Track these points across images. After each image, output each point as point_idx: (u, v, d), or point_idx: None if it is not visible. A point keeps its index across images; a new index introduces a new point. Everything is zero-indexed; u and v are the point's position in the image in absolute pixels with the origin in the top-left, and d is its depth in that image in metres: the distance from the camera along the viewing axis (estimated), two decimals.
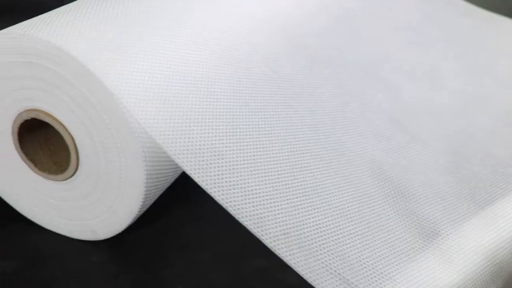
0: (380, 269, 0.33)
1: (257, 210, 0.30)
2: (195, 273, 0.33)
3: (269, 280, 0.33)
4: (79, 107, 0.30)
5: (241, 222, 0.29)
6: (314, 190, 0.34)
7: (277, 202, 0.31)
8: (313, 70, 0.44)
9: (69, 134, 0.31)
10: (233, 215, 0.29)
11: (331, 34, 0.50)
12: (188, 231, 0.35)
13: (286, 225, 0.31)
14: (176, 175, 0.35)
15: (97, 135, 0.30)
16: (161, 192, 0.34)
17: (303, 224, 0.32)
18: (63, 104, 0.30)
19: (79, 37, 0.29)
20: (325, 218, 0.33)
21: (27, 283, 0.31)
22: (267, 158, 0.33)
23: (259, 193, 0.31)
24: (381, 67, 0.51)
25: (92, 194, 0.33)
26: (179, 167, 0.34)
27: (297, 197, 0.33)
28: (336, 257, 0.32)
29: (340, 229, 0.33)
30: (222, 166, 0.30)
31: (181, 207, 0.37)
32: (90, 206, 0.33)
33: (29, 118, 0.32)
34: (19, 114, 0.32)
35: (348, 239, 0.33)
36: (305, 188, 0.34)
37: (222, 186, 0.29)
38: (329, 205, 0.34)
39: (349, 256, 0.32)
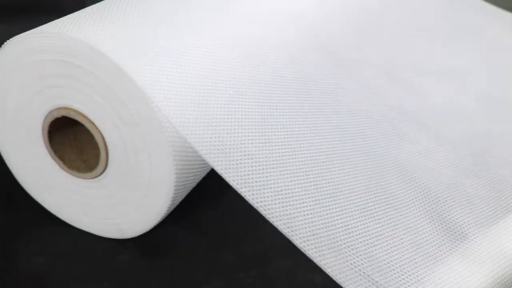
0: (408, 271, 0.32)
1: (287, 210, 0.30)
2: (223, 273, 0.33)
3: (297, 281, 0.33)
4: (110, 106, 0.30)
5: (271, 222, 0.29)
6: (341, 191, 0.34)
7: (306, 202, 0.31)
8: (337, 71, 0.44)
9: (100, 132, 0.31)
10: (263, 215, 0.29)
11: (354, 35, 0.50)
12: (215, 230, 0.36)
13: (315, 225, 0.31)
14: (203, 175, 0.35)
15: (128, 134, 0.30)
16: (188, 191, 0.34)
17: (332, 225, 0.32)
18: (94, 102, 0.31)
19: (110, 36, 0.30)
20: (353, 219, 0.33)
21: (58, 279, 0.32)
22: (295, 158, 0.33)
23: (289, 193, 0.31)
24: (404, 68, 0.50)
25: (121, 193, 0.33)
26: (206, 167, 0.34)
27: (325, 198, 0.33)
28: (365, 258, 0.32)
29: (368, 231, 0.33)
30: (252, 166, 0.30)
31: (207, 206, 0.37)
32: (118, 205, 0.33)
33: (60, 116, 0.32)
34: (50, 112, 0.32)
35: (376, 240, 0.33)
36: (333, 189, 0.34)
37: (253, 186, 0.29)
38: (356, 206, 0.34)
39: (377, 258, 0.32)
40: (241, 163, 0.30)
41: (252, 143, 0.31)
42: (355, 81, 0.43)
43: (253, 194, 0.29)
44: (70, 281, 0.32)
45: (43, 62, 0.31)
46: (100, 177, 0.33)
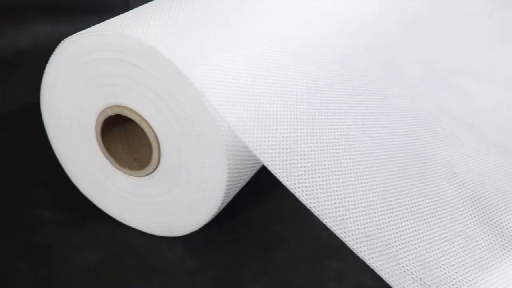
0: (460, 275, 0.32)
1: (339, 211, 0.30)
2: (273, 272, 0.33)
3: (347, 282, 0.33)
4: (164, 104, 0.30)
5: (324, 223, 0.29)
6: (391, 192, 0.34)
7: (358, 204, 0.31)
8: (383, 71, 0.44)
9: (153, 130, 0.31)
10: (317, 215, 0.29)
11: (400, 35, 0.49)
12: (264, 229, 0.35)
13: (368, 227, 0.31)
14: (252, 174, 0.35)
15: (181, 132, 0.31)
16: (238, 190, 0.34)
17: (384, 228, 0.31)
18: (148, 101, 0.31)
19: (165, 34, 0.30)
20: (404, 222, 0.33)
21: (109, 275, 0.32)
22: (346, 159, 0.33)
23: (341, 194, 0.31)
24: (450, 70, 0.50)
25: (172, 191, 0.33)
26: (255, 167, 0.34)
27: (376, 199, 0.33)
28: (417, 262, 0.31)
29: (419, 234, 0.33)
30: (304, 166, 0.30)
31: (256, 206, 0.37)
32: (169, 203, 0.33)
33: (113, 114, 0.32)
34: (103, 110, 0.32)
35: (427, 244, 0.33)
36: (383, 191, 0.33)
37: (305, 186, 0.29)
38: (407, 208, 0.34)
39: (429, 262, 0.32)
40: (294, 163, 0.30)
41: (304, 142, 0.31)
42: (401, 82, 0.43)
43: (306, 194, 0.29)
44: (121, 276, 0.32)
45: (99, 61, 0.31)
46: (151, 175, 0.33)
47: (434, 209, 0.35)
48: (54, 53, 0.32)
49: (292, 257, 0.33)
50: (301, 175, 0.30)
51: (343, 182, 0.31)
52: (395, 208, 0.33)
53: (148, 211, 0.35)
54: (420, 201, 0.35)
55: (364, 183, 0.33)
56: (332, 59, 0.39)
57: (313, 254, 0.34)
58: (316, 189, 0.30)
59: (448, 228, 0.34)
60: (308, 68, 0.35)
